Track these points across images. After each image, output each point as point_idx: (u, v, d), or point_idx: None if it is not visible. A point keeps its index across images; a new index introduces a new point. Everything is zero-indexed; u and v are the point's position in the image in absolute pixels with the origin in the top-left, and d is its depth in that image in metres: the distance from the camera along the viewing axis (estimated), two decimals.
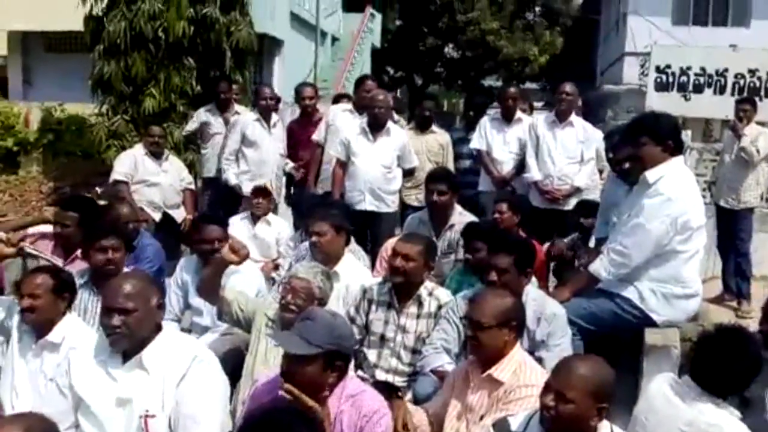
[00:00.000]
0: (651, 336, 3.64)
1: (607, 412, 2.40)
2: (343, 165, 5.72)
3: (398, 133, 5.89)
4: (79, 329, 3.24)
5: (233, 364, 3.43)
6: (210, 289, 3.56)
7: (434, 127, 6.37)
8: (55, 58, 13.83)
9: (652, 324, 3.68)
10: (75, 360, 2.77)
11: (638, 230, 3.61)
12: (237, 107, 6.89)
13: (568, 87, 5.89)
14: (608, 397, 2.40)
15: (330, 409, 2.56)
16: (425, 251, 3.71)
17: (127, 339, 2.65)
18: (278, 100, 6.85)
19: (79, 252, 4.04)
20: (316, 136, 6.34)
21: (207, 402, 2.64)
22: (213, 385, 2.71)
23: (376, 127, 5.69)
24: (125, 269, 3.82)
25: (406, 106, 11.98)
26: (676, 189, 3.58)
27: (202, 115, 6.92)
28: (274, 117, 6.45)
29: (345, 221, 4.27)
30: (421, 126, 6.33)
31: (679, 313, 3.71)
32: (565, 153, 5.79)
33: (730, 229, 6.57)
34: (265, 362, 3.33)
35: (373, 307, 3.75)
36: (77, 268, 3.98)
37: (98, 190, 5.95)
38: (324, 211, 4.42)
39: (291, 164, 6.52)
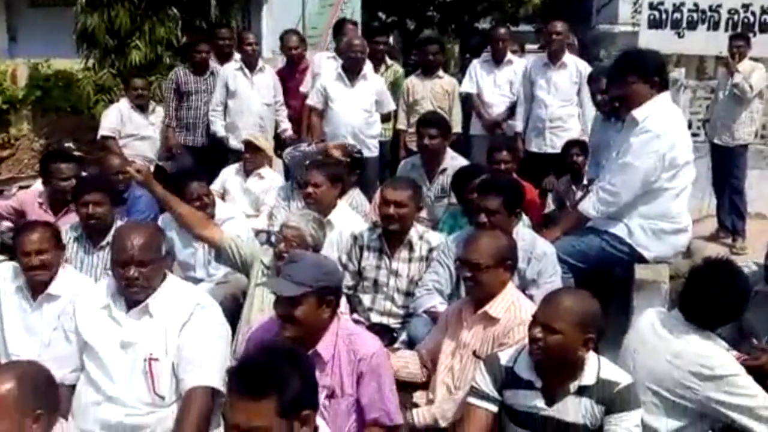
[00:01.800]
0: (641, 271, 3.68)
1: (593, 343, 2.45)
2: (320, 113, 5.70)
3: (375, 77, 5.88)
4: (76, 279, 3.29)
5: (230, 312, 3.46)
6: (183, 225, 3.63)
7: (440, 72, 6.27)
8: (39, 13, 13.52)
9: (642, 260, 3.72)
10: (80, 305, 2.79)
11: (626, 168, 3.61)
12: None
13: (559, 25, 5.80)
14: (594, 328, 2.45)
15: (326, 349, 2.60)
16: (414, 195, 3.74)
17: (144, 289, 2.71)
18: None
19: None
20: (304, 87, 6.27)
21: (209, 347, 2.69)
22: (215, 330, 2.77)
23: (353, 71, 5.66)
24: (119, 221, 3.85)
25: (399, 52, 11.77)
26: (663, 125, 3.57)
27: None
28: (260, 64, 6.26)
29: (340, 170, 4.28)
30: (426, 71, 6.23)
31: (668, 248, 3.74)
32: (558, 95, 5.75)
33: (725, 167, 6.57)
34: (261, 309, 3.37)
35: (365, 253, 3.78)
36: (71, 221, 4.01)
37: (70, 145, 5.87)
38: (319, 161, 4.42)
39: (289, 131, 6.35)
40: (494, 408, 2.60)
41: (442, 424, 2.88)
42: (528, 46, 9.88)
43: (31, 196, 4.56)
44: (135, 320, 2.72)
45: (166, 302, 2.74)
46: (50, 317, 3.19)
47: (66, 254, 3.52)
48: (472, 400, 2.64)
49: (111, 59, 7.51)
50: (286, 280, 2.57)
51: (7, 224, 4.71)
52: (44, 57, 10.09)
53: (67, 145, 5.43)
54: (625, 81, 3.62)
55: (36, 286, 3.25)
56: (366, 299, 3.75)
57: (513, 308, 2.91)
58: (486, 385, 2.61)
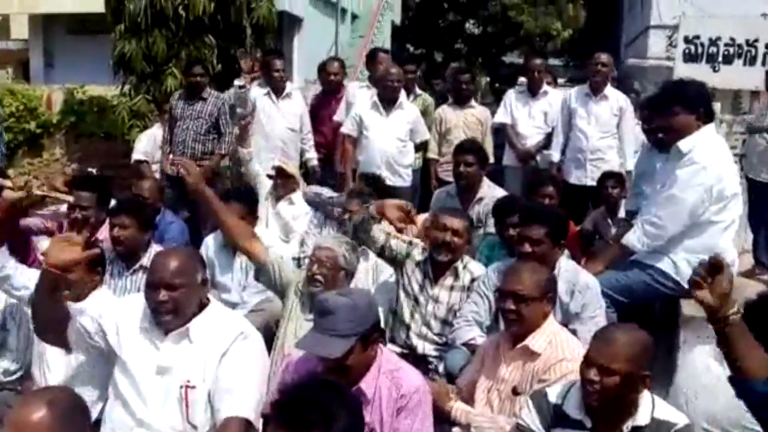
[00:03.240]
0: (688, 307, 3.57)
1: (649, 380, 2.35)
2: (353, 142, 5.68)
3: (410, 106, 5.87)
4: (109, 301, 3.25)
5: (263, 339, 3.42)
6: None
7: (472, 102, 6.27)
8: (76, 41, 13.82)
9: (687, 295, 3.60)
10: (122, 323, 2.74)
11: (672, 201, 3.54)
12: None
13: (604, 57, 5.76)
14: (650, 364, 2.35)
15: (369, 386, 2.52)
16: (469, 226, 3.73)
17: (173, 314, 2.63)
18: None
19: (101, 232, 4.04)
20: (338, 116, 6.26)
21: (247, 377, 2.62)
22: (255, 361, 2.69)
23: (388, 100, 5.65)
24: (154, 246, 3.83)
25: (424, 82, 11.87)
26: (709, 157, 3.50)
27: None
28: (288, 88, 6.21)
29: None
30: (459, 100, 6.22)
31: None
32: (598, 127, 5.69)
33: (761, 203, 6.43)
34: (296, 337, 3.29)
35: (413, 267, 3.74)
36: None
37: (92, 170, 5.87)
38: (361, 190, 4.41)
39: (314, 161, 6.29)
40: None
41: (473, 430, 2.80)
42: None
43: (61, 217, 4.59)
44: (173, 345, 2.65)
45: (208, 329, 2.67)
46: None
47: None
48: None
49: (147, 85, 7.61)
50: (327, 336, 2.46)
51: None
52: (79, 83, 10.26)
53: (89, 170, 5.45)
54: (671, 112, 3.56)
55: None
56: (405, 314, 3.71)
57: (554, 342, 2.82)
58: (533, 421, 2.51)
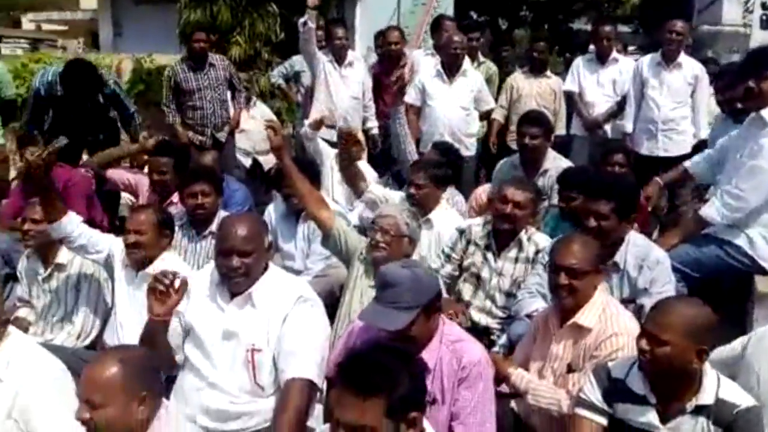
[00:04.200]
0: (762, 283, 3.45)
1: (707, 355, 2.29)
2: (417, 111, 5.63)
3: (474, 74, 5.78)
4: (176, 265, 3.34)
5: (326, 305, 3.46)
6: None
7: (548, 72, 6.16)
8: (143, 10, 14.07)
9: (762, 271, 3.49)
10: (192, 290, 2.80)
11: (756, 172, 3.40)
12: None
13: (679, 24, 5.52)
14: (707, 339, 2.29)
15: (431, 356, 2.53)
16: (534, 198, 3.66)
17: (246, 278, 2.70)
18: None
19: (175, 196, 4.15)
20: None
21: (309, 339, 2.67)
22: (316, 323, 2.75)
23: (452, 68, 5.57)
24: (222, 212, 3.91)
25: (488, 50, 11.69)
26: None
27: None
28: (351, 57, 6.15)
29: (445, 172, 4.21)
30: (533, 69, 6.11)
31: None
32: (671, 96, 5.50)
33: None
34: (361, 303, 3.34)
35: (471, 248, 3.72)
36: (173, 211, 4.10)
37: (166, 137, 5.98)
38: (427, 161, 4.39)
39: (375, 129, 6.21)
40: (603, 420, 2.47)
41: (529, 400, 2.78)
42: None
43: (146, 179, 4.72)
44: (238, 309, 2.72)
45: (269, 293, 2.74)
46: None
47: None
48: (579, 411, 2.51)
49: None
50: (389, 308, 2.47)
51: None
52: (147, 52, 10.46)
53: (163, 137, 5.58)
54: (761, 76, 3.40)
55: (133, 263, 3.37)
56: (466, 293, 3.68)
57: (604, 317, 2.74)
58: (595, 395, 2.48)
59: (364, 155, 5.79)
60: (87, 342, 3.60)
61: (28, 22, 21.75)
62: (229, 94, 6.11)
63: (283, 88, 7.10)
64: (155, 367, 2.31)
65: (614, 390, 2.45)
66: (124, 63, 10.34)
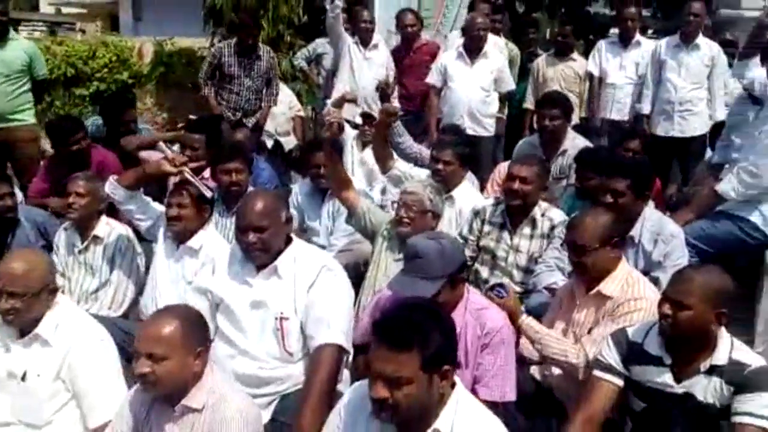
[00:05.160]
0: None
1: (726, 318, 2.40)
2: (438, 92, 5.72)
3: (496, 55, 5.84)
4: (215, 239, 3.51)
5: (351, 278, 3.59)
6: None
7: (574, 54, 6.21)
8: None
9: None
10: (217, 266, 2.96)
11: None
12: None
13: (697, 6, 5.58)
14: (726, 303, 2.39)
15: (456, 321, 2.65)
16: (540, 172, 3.74)
17: (263, 253, 2.81)
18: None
19: (206, 172, 4.29)
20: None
21: (335, 307, 2.78)
22: (341, 291, 2.86)
23: (473, 49, 5.65)
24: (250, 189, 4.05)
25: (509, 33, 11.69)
26: None
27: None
28: (375, 39, 6.26)
29: (469, 150, 4.35)
30: (558, 52, 6.19)
31: None
32: (689, 78, 5.56)
33: None
34: (386, 276, 3.47)
35: (486, 227, 3.82)
36: None
37: (192, 117, 6.09)
38: (452, 140, 4.50)
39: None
40: (619, 381, 2.58)
41: (538, 348, 2.88)
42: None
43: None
44: (264, 281, 2.83)
45: (294, 264, 2.84)
46: (189, 270, 3.44)
47: None
48: (597, 372, 2.62)
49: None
50: (417, 279, 2.61)
51: None
52: (168, 35, 10.58)
53: (191, 117, 5.73)
54: None
55: (174, 236, 3.51)
56: (484, 272, 3.79)
57: (626, 286, 2.86)
58: (613, 358, 2.59)
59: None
60: (120, 312, 3.74)
61: (46, 6, 21.89)
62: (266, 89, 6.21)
63: (305, 70, 7.20)
64: (206, 324, 2.46)
65: (631, 353, 2.56)
66: (146, 46, 10.47)
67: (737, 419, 2.35)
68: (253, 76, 6.04)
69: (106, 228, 3.79)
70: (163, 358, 2.26)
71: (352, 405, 2.21)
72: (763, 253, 3.59)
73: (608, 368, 2.59)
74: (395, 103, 6.25)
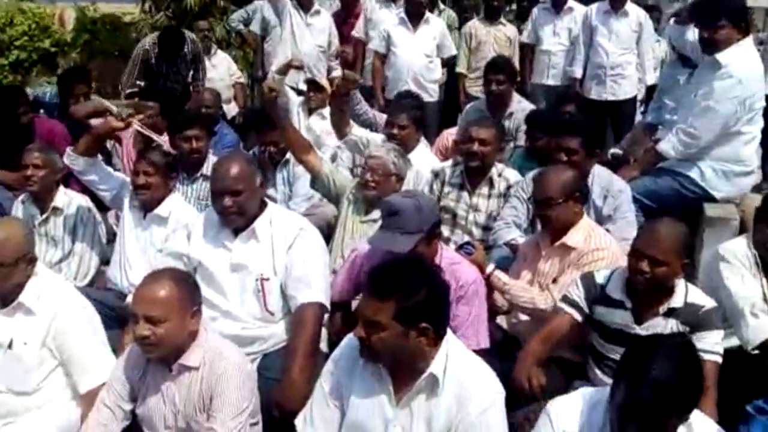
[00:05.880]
0: (711, 209, 3.87)
1: (687, 267, 2.65)
2: (382, 58, 5.81)
3: (436, 21, 5.96)
4: (183, 206, 3.52)
5: None
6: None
7: (502, 19, 6.36)
8: None
9: (711, 199, 3.91)
10: (193, 231, 3.00)
11: (708, 112, 3.76)
12: None
13: None
14: (690, 252, 2.64)
15: None
16: (497, 134, 3.91)
17: (238, 217, 2.87)
18: None
19: (165, 140, 4.25)
20: (356, 31, 6.32)
21: (314, 266, 2.88)
22: (318, 252, 2.96)
23: (415, 16, 5.76)
24: (211, 155, 4.06)
25: None
26: (745, 71, 3.71)
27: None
28: (316, 6, 6.24)
29: (422, 114, 4.46)
30: (489, 16, 6.31)
31: (736, 190, 3.94)
32: (619, 43, 5.84)
33: None
34: (352, 238, 3.60)
35: (446, 189, 3.97)
36: None
37: (141, 83, 5.98)
38: (406, 104, 4.60)
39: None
40: (579, 317, 2.78)
41: (506, 298, 3.08)
42: None
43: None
44: (242, 244, 2.89)
45: (271, 227, 2.91)
46: (157, 239, 3.46)
47: None
48: (561, 304, 2.83)
49: (167, 2, 7.64)
50: (396, 234, 2.74)
51: None
52: (84, 1, 10.18)
53: (139, 83, 5.62)
54: (715, 25, 3.71)
55: (141, 205, 3.52)
56: (444, 231, 3.92)
57: (589, 238, 3.07)
58: (578, 295, 2.79)
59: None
60: (86, 281, 3.72)
61: None
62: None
63: (243, 32, 7.11)
64: (197, 283, 2.53)
65: (596, 294, 2.77)
66: (67, 12, 10.07)
67: None
68: (181, 69, 5.90)
69: (65, 198, 3.75)
70: (162, 320, 2.32)
71: (346, 354, 2.31)
72: (701, 206, 3.89)
73: (572, 303, 2.81)
74: (338, 70, 6.32)
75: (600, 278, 2.80)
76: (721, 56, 3.72)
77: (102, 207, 3.93)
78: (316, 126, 5.53)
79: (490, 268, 3.11)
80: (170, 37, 5.83)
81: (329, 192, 3.81)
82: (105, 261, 3.79)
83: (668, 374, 1.84)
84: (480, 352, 2.78)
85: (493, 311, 3.17)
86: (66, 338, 2.63)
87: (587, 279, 2.83)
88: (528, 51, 6.33)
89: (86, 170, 3.55)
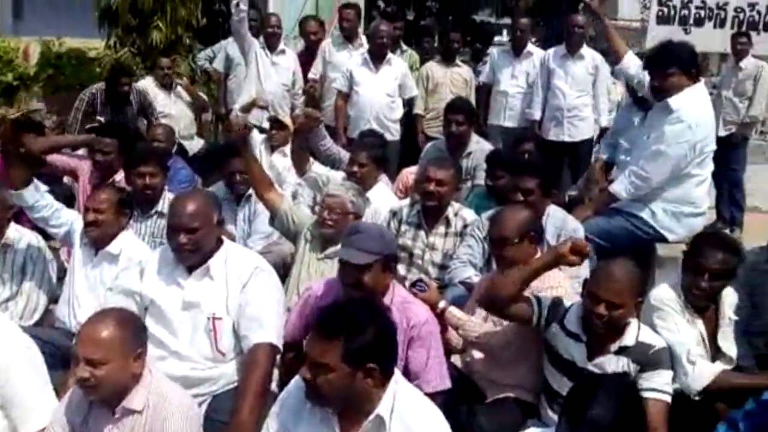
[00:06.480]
0: (662, 249, 3.99)
1: (641, 306, 2.70)
2: (345, 97, 5.88)
3: (398, 62, 6.06)
4: (135, 244, 3.47)
5: None
6: None
7: (458, 61, 6.49)
8: None
9: (662, 240, 3.98)
10: (146, 268, 2.95)
11: (659, 156, 3.86)
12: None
13: (580, 18, 6.06)
14: (643, 291, 2.70)
15: None
16: (455, 175, 3.97)
17: (193, 254, 2.84)
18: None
19: (118, 176, 4.22)
20: (313, 73, 6.37)
21: (268, 306, 2.84)
22: (273, 291, 2.93)
23: (378, 57, 5.85)
24: (167, 191, 4.04)
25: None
26: (696, 116, 3.83)
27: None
28: (281, 46, 6.33)
29: (383, 152, 4.52)
30: (446, 58, 6.43)
31: (686, 230, 3.99)
32: (575, 86, 5.99)
33: (723, 159, 6.82)
34: (308, 275, 3.58)
35: (403, 227, 3.99)
36: None
37: (101, 119, 5.95)
38: (368, 143, 4.67)
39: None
40: (534, 318, 2.79)
41: (460, 332, 3.07)
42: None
43: (87, 163, 4.71)
44: (196, 282, 2.86)
45: (225, 265, 2.88)
46: (108, 277, 3.40)
47: None
48: (532, 299, 2.84)
49: (132, 38, 7.64)
50: (354, 249, 2.76)
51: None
52: (50, 35, 10.15)
53: (99, 119, 5.59)
54: (665, 73, 3.82)
55: (92, 242, 3.46)
56: (401, 269, 3.93)
57: (543, 276, 3.02)
58: (545, 305, 2.80)
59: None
60: (33, 321, 3.62)
61: None
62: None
63: (209, 71, 7.14)
64: (143, 325, 2.48)
65: (557, 317, 2.79)
66: (32, 46, 10.01)
67: (643, 394, 2.62)
68: (128, 115, 5.92)
69: (16, 234, 3.66)
70: (103, 362, 2.27)
71: (294, 395, 2.28)
72: (652, 245, 3.96)
73: (536, 304, 2.81)
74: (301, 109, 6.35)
75: (566, 305, 2.83)
76: (672, 101, 3.83)
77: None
78: (279, 163, 5.54)
79: (442, 304, 3.12)
80: (116, 84, 5.87)
81: (288, 230, 3.80)
82: (54, 299, 3.71)
83: (607, 414, 1.85)
84: (441, 394, 2.82)
85: (447, 350, 3.16)
86: (7, 380, 2.55)
87: (557, 300, 2.84)
88: (484, 92, 6.43)
89: (36, 206, 3.49)
